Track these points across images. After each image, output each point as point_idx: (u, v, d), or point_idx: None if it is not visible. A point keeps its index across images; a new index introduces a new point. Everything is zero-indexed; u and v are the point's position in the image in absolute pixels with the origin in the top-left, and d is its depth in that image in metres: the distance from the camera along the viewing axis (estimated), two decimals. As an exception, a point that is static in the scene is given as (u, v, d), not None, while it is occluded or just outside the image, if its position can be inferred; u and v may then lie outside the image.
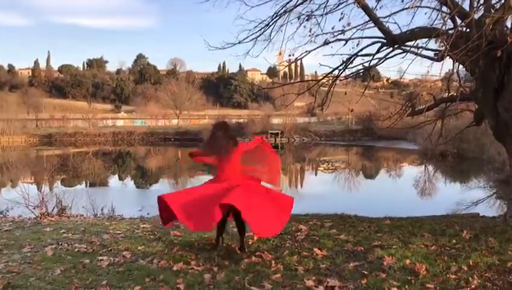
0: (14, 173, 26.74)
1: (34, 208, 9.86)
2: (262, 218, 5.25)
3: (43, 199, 10.12)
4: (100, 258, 5.30)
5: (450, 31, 7.10)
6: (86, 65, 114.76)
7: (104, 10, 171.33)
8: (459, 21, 7.32)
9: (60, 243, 6.15)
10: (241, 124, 59.24)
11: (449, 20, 7.39)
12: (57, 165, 20.79)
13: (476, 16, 7.03)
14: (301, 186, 23.40)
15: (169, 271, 4.79)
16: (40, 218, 9.02)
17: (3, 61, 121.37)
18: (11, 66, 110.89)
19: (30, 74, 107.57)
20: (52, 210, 9.93)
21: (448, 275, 4.56)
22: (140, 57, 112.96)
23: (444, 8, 7.45)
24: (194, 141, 50.52)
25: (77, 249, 5.76)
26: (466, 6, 7.51)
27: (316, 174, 28.95)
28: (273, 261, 5.10)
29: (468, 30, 7.13)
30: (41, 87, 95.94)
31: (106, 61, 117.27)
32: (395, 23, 8.07)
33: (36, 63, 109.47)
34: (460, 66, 7.89)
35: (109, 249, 5.80)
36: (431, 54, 8.12)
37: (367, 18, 8.20)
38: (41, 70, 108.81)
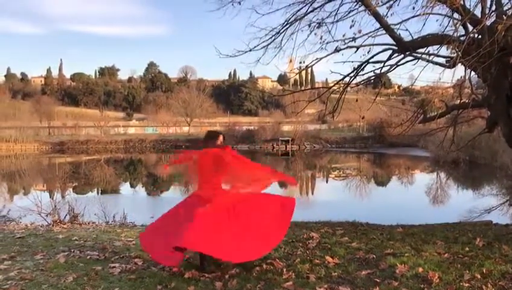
0: (26, 181, 26.97)
1: (47, 215, 9.94)
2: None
3: (55, 206, 10.19)
4: (112, 265, 5.32)
5: (462, 38, 7.08)
6: (97, 73, 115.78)
7: (115, 18, 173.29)
8: (470, 28, 7.29)
9: (73, 250, 6.18)
10: (252, 131, 59.33)
11: (461, 27, 7.36)
12: (69, 173, 21.01)
13: (488, 23, 6.99)
14: (312, 193, 23.34)
15: (181, 278, 4.78)
16: (53, 225, 9.09)
17: (16, 69, 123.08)
18: (24, 75, 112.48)
19: (43, 82, 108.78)
20: (65, 217, 10.00)
21: (461, 283, 4.52)
22: (151, 65, 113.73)
23: (456, 15, 7.42)
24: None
25: (89, 257, 5.79)
26: (478, 12, 7.47)
27: (327, 182, 28.87)
28: (284, 269, 5.08)
29: (480, 37, 7.10)
30: (53, 95, 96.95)
31: (118, 70, 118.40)
32: (406, 30, 8.05)
33: (49, 71, 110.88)
34: (472, 73, 7.86)
35: (121, 256, 5.83)
36: (442, 60, 8.08)
37: (378, 25, 8.18)
38: (53, 79, 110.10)
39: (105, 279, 4.82)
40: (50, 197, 13.03)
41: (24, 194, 19.86)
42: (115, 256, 5.83)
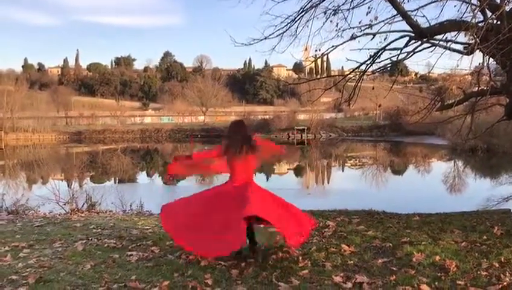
0: (45, 170, 27.28)
1: (65, 204, 10.06)
2: (289, 226, 4.94)
3: (73, 195, 10.31)
4: (129, 253, 5.36)
5: (480, 24, 6.97)
6: (114, 63, 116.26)
7: (131, 9, 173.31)
8: (489, 13, 7.19)
9: (90, 238, 6.25)
10: (267, 120, 59.24)
11: (479, 13, 7.25)
12: (87, 162, 21.23)
13: (507, 8, 6.88)
14: (328, 182, 23.29)
15: (197, 266, 4.81)
16: (71, 214, 9.20)
17: (34, 60, 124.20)
18: (41, 65, 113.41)
19: (59, 73, 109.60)
20: (82, 206, 10.11)
21: (479, 272, 4.48)
22: (167, 54, 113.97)
23: (474, 1, 7.33)
24: (220, 137, 50.65)
25: (107, 245, 5.84)
26: (497, -2, 7.36)
27: (343, 170, 28.75)
28: (300, 257, 5.08)
29: (498, 22, 6.99)
30: (70, 85, 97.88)
31: (134, 59, 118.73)
32: (424, 16, 7.97)
33: (65, 61, 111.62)
34: (491, 59, 7.75)
35: (138, 244, 5.87)
36: (460, 47, 7.99)
37: (395, 12, 8.10)
38: (70, 69, 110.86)
39: (123, 267, 4.87)
40: (68, 186, 13.18)
41: (42, 183, 20.06)
42: (132, 244, 5.87)
